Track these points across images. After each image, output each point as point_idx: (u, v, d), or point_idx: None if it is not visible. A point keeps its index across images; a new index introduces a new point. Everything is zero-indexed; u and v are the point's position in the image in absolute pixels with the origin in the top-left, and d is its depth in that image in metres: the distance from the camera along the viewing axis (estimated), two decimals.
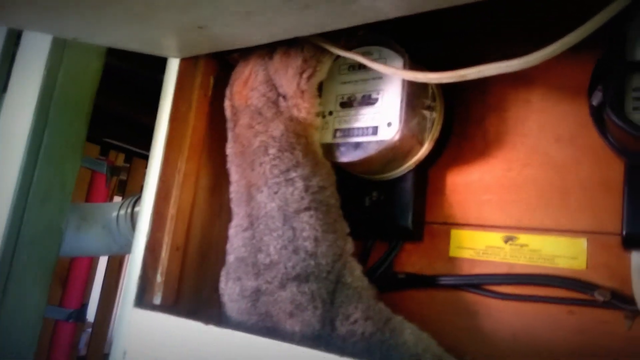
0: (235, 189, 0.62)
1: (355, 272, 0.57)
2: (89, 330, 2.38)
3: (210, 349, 0.52)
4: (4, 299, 0.59)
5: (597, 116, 0.57)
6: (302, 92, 0.60)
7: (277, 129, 0.59)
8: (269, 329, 0.56)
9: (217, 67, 0.73)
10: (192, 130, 0.69)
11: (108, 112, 2.01)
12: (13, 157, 0.62)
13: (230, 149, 0.64)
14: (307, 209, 0.56)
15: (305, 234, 0.55)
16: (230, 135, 0.65)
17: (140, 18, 0.51)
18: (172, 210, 0.68)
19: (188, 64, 0.69)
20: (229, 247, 0.62)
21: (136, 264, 0.65)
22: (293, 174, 0.57)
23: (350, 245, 0.59)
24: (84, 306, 2.20)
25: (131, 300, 0.64)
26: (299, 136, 0.60)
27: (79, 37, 0.56)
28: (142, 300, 0.65)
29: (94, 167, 2.30)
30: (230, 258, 0.61)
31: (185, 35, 0.57)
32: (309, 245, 0.55)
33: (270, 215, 0.57)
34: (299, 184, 0.57)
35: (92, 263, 2.26)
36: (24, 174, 0.61)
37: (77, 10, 0.48)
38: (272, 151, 0.58)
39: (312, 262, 0.54)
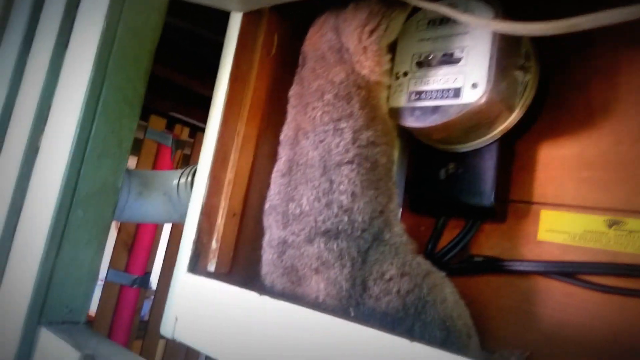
0: (285, 132, 0.59)
1: (394, 229, 0.53)
2: (152, 297, 2.46)
3: (263, 319, 0.48)
4: (60, 253, 0.58)
5: None
6: (365, 48, 0.55)
7: (337, 75, 0.55)
8: (294, 283, 0.53)
9: (282, 25, 0.68)
10: (252, 91, 0.64)
11: (174, 85, 2.03)
12: (72, 111, 0.60)
13: (291, 90, 0.61)
14: (350, 162, 0.52)
15: (342, 187, 0.51)
16: (295, 78, 0.62)
17: None
18: (229, 175, 0.64)
19: (251, 19, 0.64)
20: (268, 192, 0.59)
21: (191, 228, 0.62)
22: (344, 124, 0.53)
23: (394, 205, 0.54)
24: (147, 274, 2.27)
25: (185, 265, 0.61)
26: (359, 88, 0.55)
27: None
28: (196, 266, 0.62)
29: (160, 140, 2.36)
30: (266, 205, 0.58)
31: None
32: (345, 199, 0.51)
33: (310, 164, 0.53)
34: (347, 135, 0.53)
35: (157, 231, 2.33)
36: (82, 129, 0.59)
37: None
38: (327, 97, 0.55)
39: (346, 218, 0.50)
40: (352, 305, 0.49)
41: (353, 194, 0.51)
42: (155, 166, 2.35)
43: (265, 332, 0.47)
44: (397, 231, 0.53)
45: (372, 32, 0.55)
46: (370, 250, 0.50)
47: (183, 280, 0.61)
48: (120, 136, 0.63)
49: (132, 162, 2.36)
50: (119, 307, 2.17)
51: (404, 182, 0.68)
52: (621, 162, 0.52)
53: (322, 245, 0.51)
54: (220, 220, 0.63)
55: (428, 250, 0.63)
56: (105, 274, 2.28)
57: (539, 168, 0.58)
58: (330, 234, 0.51)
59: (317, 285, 0.51)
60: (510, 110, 0.56)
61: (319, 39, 0.59)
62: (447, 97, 0.55)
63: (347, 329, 0.42)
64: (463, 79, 0.54)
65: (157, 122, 2.33)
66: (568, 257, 0.54)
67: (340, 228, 0.50)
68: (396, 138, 0.59)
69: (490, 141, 0.58)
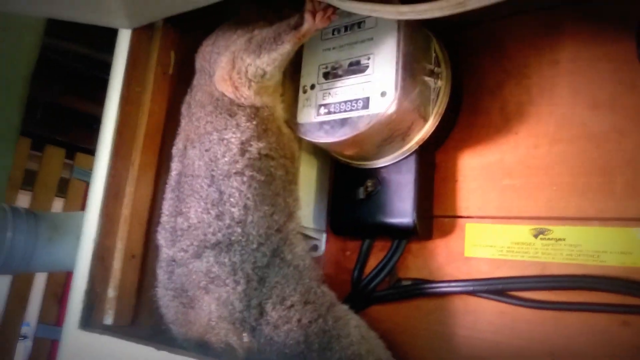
0: (176, 144, 0.54)
1: (296, 249, 0.49)
2: None
3: None
4: None
5: None
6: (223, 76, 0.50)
7: (215, 90, 0.51)
8: (185, 306, 0.47)
9: (181, 40, 0.62)
10: (148, 115, 0.58)
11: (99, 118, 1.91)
12: None
13: (183, 100, 0.56)
14: (240, 173, 0.48)
15: (233, 199, 0.47)
16: (188, 88, 0.57)
17: None
18: (125, 211, 0.56)
19: (142, 36, 0.58)
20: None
21: (82, 276, 0.54)
22: (229, 135, 0.49)
23: (294, 224, 0.50)
24: None
25: (76, 320, 0.53)
26: (239, 105, 0.50)
27: None
28: (90, 320, 0.53)
29: (89, 179, 2.21)
30: (158, 222, 0.53)
31: None
32: (236, 212, 0.46)
33: (197, 174, 0.49)
34: (234, 147, 0.48)
35: None
36: None
37: None
38: (209, 108, 0.51)
39: (239, 230, 0.46)
40: (247, 329, 0.44)
41: (245, 207, 0.46)
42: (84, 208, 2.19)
43: None
44: (299, 253, 0.49)
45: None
46: (269, 270, 0.45)
47: (73, 337, 0.52)
48: None
49: (58, 204, 2.21)
50: None
51: (327, 204, 0.63)
52: (540, 166, 0.50)
53: (211, 259, 0.45)
54: (116, 265, 0.55)
55: (354, 277, 0.58)
56: (34, 331, 2.09)
57: (461, 179, 0.55)
58: (221, 246, 0.45)
59: (208, 307, 0.45)
60: (424, 118, 0.52)
61: (205, 49, 0.55)
62: (356, 109, 0.50)
63: None
64: (371, 88, 0.50)
65: (85, 160, 2.19)
66: (498, 272, 0.50)
67: (232, 239, 0.45)
68: (298, 151, 0.55)
69: (407, 153, 0.53)
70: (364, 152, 0.55)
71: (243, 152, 0.48)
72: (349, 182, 0.57)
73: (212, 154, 0.48)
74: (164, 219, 0.51)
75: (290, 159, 0.52)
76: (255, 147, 0.48)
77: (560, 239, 0.47)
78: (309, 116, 0.53)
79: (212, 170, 0.48)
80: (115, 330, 0.53)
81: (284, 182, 0.50)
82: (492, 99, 0.55)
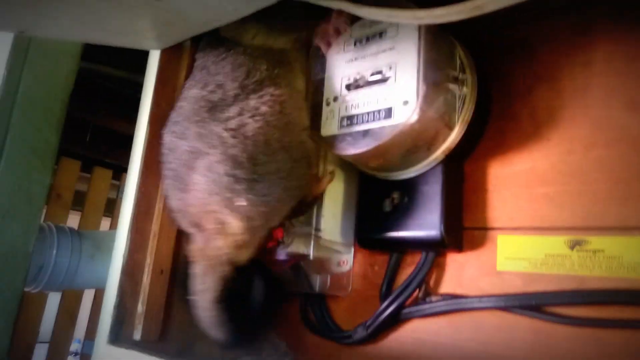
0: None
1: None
2: None
3: None
4: None
5: None
6: None
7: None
8: (182, 191, 0.50)
9: None
10: None
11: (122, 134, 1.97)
12: None
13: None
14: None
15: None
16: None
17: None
18: (154, 227, 0.57)
19: (171, 55, 0.60)
20: None
21: (112, 291, 0.55)
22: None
23: None
24: None
25: (105, 335, 0.54)
26: None
27: (26, 30, 0.47)
28: (119, 335, 0.54)
29: None
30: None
31: (148, 14, 0.47)
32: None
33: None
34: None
35: None
36: None
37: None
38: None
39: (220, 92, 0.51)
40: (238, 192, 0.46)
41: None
42: None
43: None
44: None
45: None
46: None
47: (103, 352, 0.53)
48: (29, 193, 0.57)
49: (106, 223, 2.29)
50: None
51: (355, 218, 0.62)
52: (575, 173, 0.47)
53: (192, 133, 0.49)
54: (146, 279, 0.56)
55: (382, 292, 0.56)
56: (80, 347, 2.15)
57: (491, 189, 0.52)
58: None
59: (197, 185, 0.47)
60: (450, 127, 0.50)
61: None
62: (378, 119, 0.49)
63: None
64: (394, 97, 0.49)
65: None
66: (532, 286, 0.47)
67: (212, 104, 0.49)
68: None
69: (434, 164, 0.52)
70: (388, 163, 0.54)
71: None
72: (375, 195, 0.56)
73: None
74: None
75: None
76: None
77: (598, 251, 0.44)
78: (332, 129, 0.53)
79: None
80: (143, 346, 0.53)
81: None
82: (522, 105, 0.53)
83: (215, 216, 0.48)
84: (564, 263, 0.46)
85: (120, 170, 2.24)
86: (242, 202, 0.46)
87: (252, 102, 0.50)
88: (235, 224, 0.47)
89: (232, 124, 0.48)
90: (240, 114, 0.49)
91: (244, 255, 0.51)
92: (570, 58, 0.50)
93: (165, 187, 0.53)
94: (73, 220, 2.10)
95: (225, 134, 0.47)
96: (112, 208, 2.26)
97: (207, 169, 0.47)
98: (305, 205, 0.56)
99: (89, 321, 2.10)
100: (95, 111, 1.84)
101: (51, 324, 1.87)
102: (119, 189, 2.27)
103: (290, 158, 0.50)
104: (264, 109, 0.49)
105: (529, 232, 0.49)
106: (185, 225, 0.51)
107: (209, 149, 0.47)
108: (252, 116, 0.49)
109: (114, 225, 2.25)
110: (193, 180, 0.48)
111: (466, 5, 0.34)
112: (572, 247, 0.45)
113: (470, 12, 0.35)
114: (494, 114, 0.54)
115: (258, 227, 0.50)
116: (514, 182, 0.51)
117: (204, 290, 0.50)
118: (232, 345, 0.53)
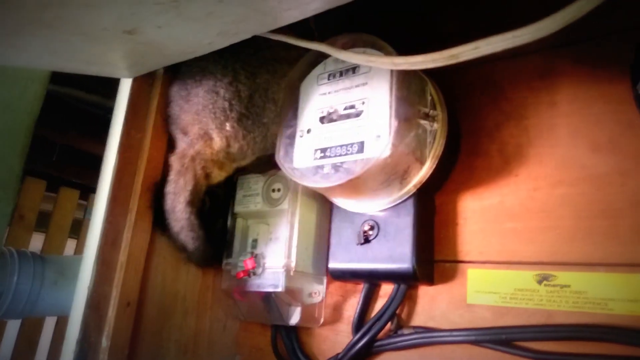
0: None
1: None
2: None
3: None
4: None
5: None
6: None
7: None
8: (183, 99, 0.57)
9: None
10: (147, 160, 0.58)
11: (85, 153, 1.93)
12: None
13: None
14: None
15: None
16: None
17: (51, 29, 0.40)
18: (121, 258, 0.56)
19: (142, 84, 0.59)
20: None
21: (75, 325, 0.53)
22: None
23: None
24: None
25: None
26: None
27: None
28: None
29: None
30: None
31: (121, 46, 0.47)
32: None
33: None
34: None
35: None
36: None
37: None
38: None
39: None
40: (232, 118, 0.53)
41: None
42: None
43: None
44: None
45: None
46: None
47: None
48: None
49: (71, 245, 2.22)
50: None
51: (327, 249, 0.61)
52: (541, 209, 0.48)
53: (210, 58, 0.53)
54: (111, 313, 0.54)
55: (354, 324, 0.56)
56: None
57: (461, 222, 0.53)
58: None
59: (197, 97, 0.55)
60: (421, 161, 0.51)
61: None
62: (351, 153, 0.50)
63: None
64: (366, 132, 0.49)
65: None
66: (501, 320, 0.48)
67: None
68: None
69: (406, 197, 0.53)
70: (361, 196, 0.54)
71: None
72: (347, 227, 0.56)
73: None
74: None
75: None
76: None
77: (565, 286, 0.45)
78: (306, 160, 0.53)
79: None
80: None
81: None
82: (491, 141, 0.54)
83: (203, 127, 0.55)
84: (532, 297, 0.46)
85: (88, 191, 2.18)
86: (228, 127, 0.54)
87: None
88: (217, 141, 0.55)
89: (250, 68, 0.55)
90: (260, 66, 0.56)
91: (215, 176, 0.58)
92: (536, 98, 0.52)
93: (172, 93, 0.59)
94: (37, 240, 2.03)
95: (241, 71, 0.55)
96: (78, 229, 2.20)
97: (212, 88, 0.54)
98: (265, 164, 0.60)
99: (50, 348, 2.01)
100: (63, 130, 1.80)
101: (9, 351, 1.78)
102: (86, 209, 2.21)
103: (276, 111, 0.57)
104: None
105: (499, 267, 0.49)
106: (174, 130, 0.58)
107: (222, 76, 0.54)
108: (268, 71, 0.56)
109: (80, 247, 2.18)
110: (197, 93, 0.55)
111: (442, 54, 0.35)
112: (540, 282, 0.46)
113: (446, 61, 0.36)
114: (464, 149, 0.55)
115: (232, 155, 0.57)
116: (484, 216, 0.52)
117: (178, 191, 0.55)
118: (201, 254, 0.59)
